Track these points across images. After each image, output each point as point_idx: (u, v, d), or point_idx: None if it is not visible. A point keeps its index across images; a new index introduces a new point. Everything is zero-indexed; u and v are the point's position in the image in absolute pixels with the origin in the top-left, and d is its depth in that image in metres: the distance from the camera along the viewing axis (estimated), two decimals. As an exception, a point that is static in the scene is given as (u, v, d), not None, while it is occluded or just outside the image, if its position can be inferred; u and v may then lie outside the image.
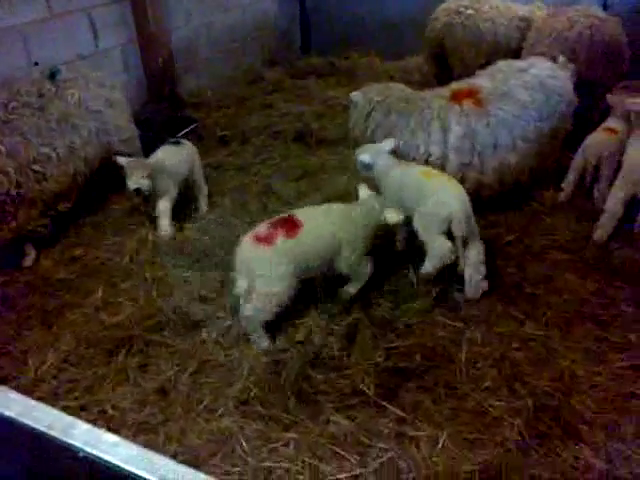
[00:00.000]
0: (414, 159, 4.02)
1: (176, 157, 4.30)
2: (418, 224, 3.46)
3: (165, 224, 4.10)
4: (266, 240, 3.07)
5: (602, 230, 3.93)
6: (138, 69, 5.79)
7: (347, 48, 8.03)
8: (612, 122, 4.36)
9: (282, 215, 3.27)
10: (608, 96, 4.52)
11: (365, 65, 7.72)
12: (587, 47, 5.02)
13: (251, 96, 6.80)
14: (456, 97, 4.14)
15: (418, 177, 3.57)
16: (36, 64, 4.70)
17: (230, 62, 7.16)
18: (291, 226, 3.14)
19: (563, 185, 4.42)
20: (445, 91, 4.28)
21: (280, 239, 3.07)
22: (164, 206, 4.12)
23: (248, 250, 3.11)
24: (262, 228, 3.14)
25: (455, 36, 6.04)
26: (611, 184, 4.02)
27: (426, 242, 3.44)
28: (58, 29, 4.84)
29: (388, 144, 3.84)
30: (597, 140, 4.26)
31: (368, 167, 3.77)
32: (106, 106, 4.43)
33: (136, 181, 3.85)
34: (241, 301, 3.20)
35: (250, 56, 7.52)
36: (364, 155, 3.77)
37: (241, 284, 3.16)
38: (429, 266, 3.44)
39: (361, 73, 7.40)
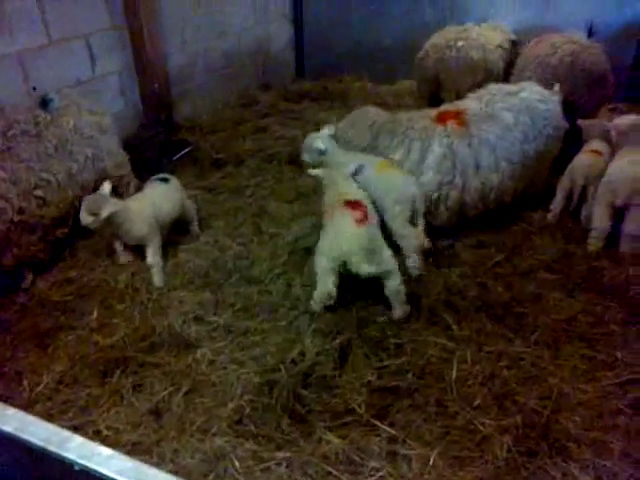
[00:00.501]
0: None
1: (166, 199, 4.14)
2: (391, 220, 3.87)
3: (158, 278, 3.91)
4: (365, 218, 3.40)
5: (594, 246, 4.08)
6: (135, 94, 5.89)
7: (340, 72, 8.18)
8: (595, 144, 4.49)
9: (340, 204, 3.52)
10: (579, 121, 4.70)
11: (358, 89, 7.86)
12: (569, 72, 5.19)
13: (245, 120, 6.90)
14: (441, 118, 4.26)
15: (374, 175, 3.96)
16: (34, 89, 4.79)
17: (225, 86, 7.28)
18: (357, 204, 3.48)
19: (551, 206, 4.52)
20: (432, 112, 4.41)
21: (368, 212, 3.47)
22: (153, 259, 3.93)
23: (365, 234, 3.33)
24: (353, 213, 3.39)
25: (450, 70, 6.07)
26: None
27: (401, 236, 3.85)
28: (56, 55, 4.93)
29: (330, 129, 4.28)
30: (583, 162, 4.38)
31: (322, 153, 4.25)
32: (98, 132, 4.49)
33: (84, 217, 3.69)
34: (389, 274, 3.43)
35: (244, 80, 7.64)
36: (319, 142, 4.14)
37: (368, 268, 3.33)
38: (414, 262, 3.87)
39: (354, 96, 7.53)
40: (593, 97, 5.30)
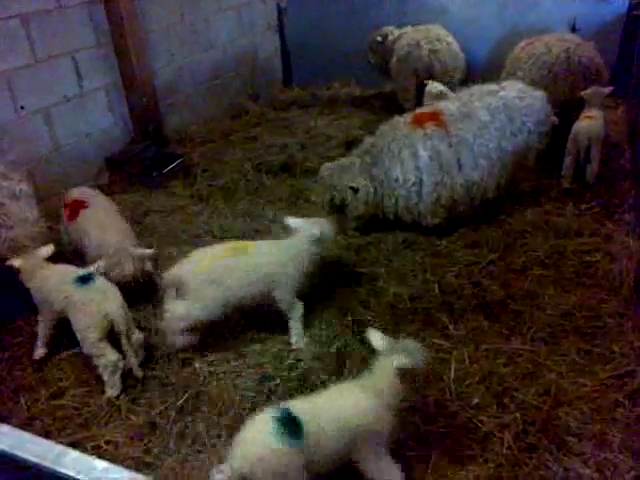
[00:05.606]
0: (395, 190, 4.33)
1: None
2: None
3: None
4: None
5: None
6: (123, 108, 5.89)
7: (328, 79, 8.20)
8: (589, 111, 4.85)
9: None
10: (582, 92, 4.98)
11: (346, 94, 7.89)
12: (565, 68, 5.29)
13: (235, 130, 6.91)
14: (418, 120, 4.32)
15: None
16: (22, 108, 4.80)
17: (213, 98, 7.30)
18: None
19: (562, 172, 4.90)
20: (407, 117, 4.48)
21: None
22: None
23: None
24: None
25: (444, 60, 6.44)
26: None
27: None
28: (43, 73, 4.94)
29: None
30: (582, 126, 4.74)
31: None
32: (10, 199, 3.85)
33: None
34: None
35: (233, 91, 7.66)
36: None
37: None
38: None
39: (342, 102, 7.56)
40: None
